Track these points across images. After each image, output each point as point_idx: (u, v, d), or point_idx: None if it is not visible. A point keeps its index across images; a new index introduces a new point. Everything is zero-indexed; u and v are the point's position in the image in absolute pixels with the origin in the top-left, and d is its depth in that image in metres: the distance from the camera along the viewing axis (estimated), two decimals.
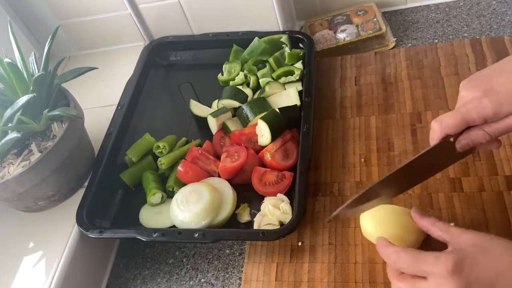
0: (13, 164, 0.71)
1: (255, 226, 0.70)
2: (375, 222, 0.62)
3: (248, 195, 0.75)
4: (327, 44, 0.94)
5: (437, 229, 0.55)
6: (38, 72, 0.74)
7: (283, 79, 0.86)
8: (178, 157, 0.80)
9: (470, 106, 0.52)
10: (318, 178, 0.76)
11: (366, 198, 0.58)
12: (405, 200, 0.70)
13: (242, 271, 0.71)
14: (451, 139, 0.54)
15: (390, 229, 0.61)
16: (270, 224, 0.69)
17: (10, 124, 0.71)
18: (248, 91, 0.87)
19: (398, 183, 0.59)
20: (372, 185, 0.56)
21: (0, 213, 0.80)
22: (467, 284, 0.47)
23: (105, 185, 0.79)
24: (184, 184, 0.76)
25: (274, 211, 0.70)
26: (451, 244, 0.52)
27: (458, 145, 0.54)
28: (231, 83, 0.89)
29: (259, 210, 0.72)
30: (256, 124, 0.78)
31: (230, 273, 0.73)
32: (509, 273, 0.48)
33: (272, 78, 0.88)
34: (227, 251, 0.75)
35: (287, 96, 0.83)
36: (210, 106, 0.88)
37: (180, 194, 0.73)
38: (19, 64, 0.74)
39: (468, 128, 0.53)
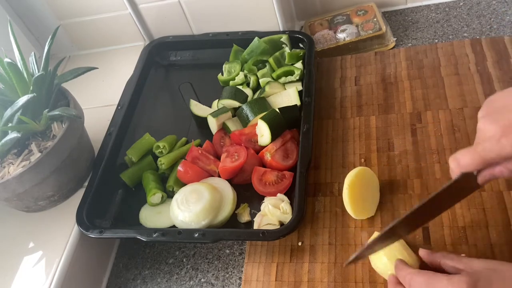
0: (13, 164, 0.71)
1: (255, 226, 0.70)
2: (387, 259, 0.61)
3: (248, 195, 0.75)
4: (327, 44, 0.94)
5: (449, 261, 0.55)
6: (38, 72, 0.74)
7: (283, 79, 0.86)
8: (178, 157, 0.80)
9: (488, 145, 0.48)
10: (318, 178, 0.76)
11: (387, 237, 0.58)
12: (405, 201, 0.70)
13: (242, 271, 0.71)
14: (475, 173, 0.51)
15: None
16: (270, 224, 0.69)
17: (10, 124, 0.71)
18: (248, 91, 0.87)
19: (418, 220, 0.58)
20: (393, 224, 0.55)
21: (0, 213, 0.80)
22: None
23: (105, 185, 0.79)
24: (184, 184, 0.76)
25: (274, 211, 0.70)
26: (464, 270, 0.52)
27: (480, 179, 0.51)
28: (231, 83, 0.89)
29: (259, 210, 0.72)
30: (256, 124, 0.78)
31: (230, 273, 0.73)
32: None
33: (272, 78, 0.88)
34: (227, 251, 0.75)
35: (287, 96, 0.83)
36: (210, 106, 0.88)
37: (180, 194, 0.73)
38: (19, 64, 0.74)
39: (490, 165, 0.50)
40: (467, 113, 0.76)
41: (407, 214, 0.54)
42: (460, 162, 0.50)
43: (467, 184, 0.52)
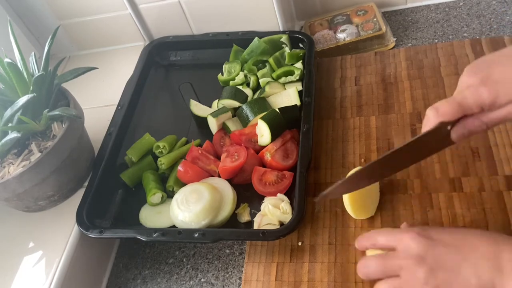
0: (13, 164, 0.71)
1: (255, 226, 0.70)
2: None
3: (248, 195, 0.75)
4: (327, 44, 0.94)
5: (382, 237, 0.57)
6: (38, 72, 0.74)
7: (283, 79, 0.86)
8: (178, 157, 0.80)
9: (467, 93, 0.51)
10: (318, 178, 0.76)
11: (363, 177, 0.59)
12: (405, 201, 0.70)
13: (242, 271, 0.71)
14: (448, 127, 0.52)
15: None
16: (270, 224, 0.69)
17: (10, 124, 0.71)
18: (248, 91, 0.87)
19: (391, 166, 0.58)
20: (366, 165, 0.56)
21: (0, 213, 0.80)
22: (433, 262, 0.50)
23: (105, 185, 0.79)
24: (184, 184, 0.76)
25: (274, 211, 0.70)
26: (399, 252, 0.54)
27: (454, 135, 0.53)
28: (231, 83, 0.89)
29: (259, 210, 0.72)
30: (256, 124, 0.78)
31: (230, 273, 0.73)
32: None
33: (272, 78, 0.88)
34: (227, 251, 0.75)
35: (287, 96, 0.83)
36: (210, 106, 0.88)
37: (180, 194, 0.73)
38: (19, 64, 0.74)
39: (464, 117, 0.52)
40: None
41: (382, 156, 0.55)
42: (439, 110, 0.52)
43: (440, 137, 0.53)
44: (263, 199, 0.73)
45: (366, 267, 0.55)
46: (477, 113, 0.51)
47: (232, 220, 0.73)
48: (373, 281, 0.63)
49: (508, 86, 0.49)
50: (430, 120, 0.53)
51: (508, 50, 0.53)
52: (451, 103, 0.51)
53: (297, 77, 0.85)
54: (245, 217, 0.73)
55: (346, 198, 0.67)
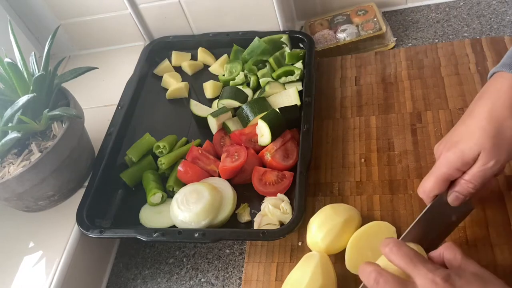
0: (13, 164, 0.71)
1: (255, 226, 0.70)
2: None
3: (248, 195, 0.75)
4: (327, 44, 0.94)
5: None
6: (38, 72, 0.74)
7: (283, 79, 0.86)
8: (178, 157, 0.80)
9: (439, 162, 0.56)
10: (318, 178, 0.76)
11: None
12: (405, 201, 0.70)
13: (242, 271, 0.71)
14: (444, 197, 0.57)
15: None
16: (270, 224, 0.69)
17: (10, 124, 0.71)
18: (248, 91, 0.87)
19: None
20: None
21: (0, 213, 0.80)
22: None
23: (105, 185, 0.79)
24: (184, 184, 0.76)
25: (274, 211, 0.70)
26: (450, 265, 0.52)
27: (449, 199, 0.57)
28: (231, 83, 0.89)
29: (259, 210, 0.72)
30: (256, 124, 0.78)
31: (230, 273, 0.73)
32: None
33: (272, 78, 0.88)
34: (227, 251, 0.75)
35: (287, 96, 0.83)
36: (210, 106, 0.88)
37: (180, 194, 0.73)
38: (19, 64, 0.74)
39: (453, 182, 0.56)
40: None
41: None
42: (425, 189, 0.58)
43: (444, 208, 0.57)
44: (263, 199, 0.73)
45: (376, 284, 0.50)
46: (460, 175, 0.55)
47: (232, 220, 0.73)
48: None
49: (468, 142, 0.54)
50: (426, 200, 0.58)
51: (463, 116, 0.58)
52: (431, 178, 0.57)
53: (297, 77, 0.85)
54: (245, 217, 0.73)
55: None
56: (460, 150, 0.54)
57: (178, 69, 0.97)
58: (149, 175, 0.79)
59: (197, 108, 0.87)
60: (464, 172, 0.55)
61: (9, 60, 0.71)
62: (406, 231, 0.57)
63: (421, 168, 0.72)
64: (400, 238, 0.57)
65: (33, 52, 0.77)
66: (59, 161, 0.71)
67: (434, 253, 0.54)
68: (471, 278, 0.48)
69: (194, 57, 0.98)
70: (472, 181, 0.54)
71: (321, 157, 0.78)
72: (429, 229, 0.58)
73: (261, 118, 0.76)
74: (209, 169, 0.78)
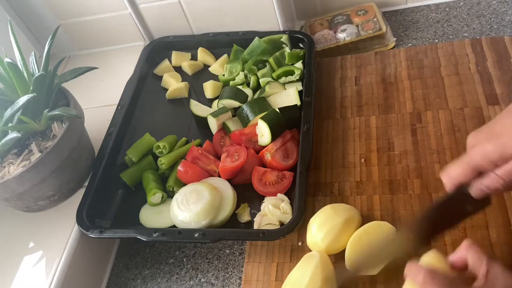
0: (13, 164, 0.71)
1: (255, 226, 0.70)
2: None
3: (248, 195, 0.75)
4: (327, 44, 0.94)
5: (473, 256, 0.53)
6: (38, 72, 0.74)
7: (283, 79, 0.86)
8: (178, 157, 0.80)
9: (474, 151, 0.52)
10: (318, 178, 0.76)
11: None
12: (405, 201, 0.70)
13: (242, 271, 0.71)
14: (468, 188, 0.54)
15: None
16: (270, 224, 0.69)
17: (10, 124, 0.71)
18: (248, 91, 0.87)
19: (423, 233, 0.57)
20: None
21: (0, 213, 0.80)
22: None
23: (105, 185, 0.79)
24: (184, 184, 0.76)
25: (274, 211, 0.70)
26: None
27: (472, 192, 0.54)
28: (231, 83, 0.89)
29: (259, 210, 0.72)
30: (256, 124, 0.78)
31: (230, 273, 0.73)
32: None
33: (272, 78, 0.88)
34: (227, 251, 0.75)
35: (287, 96, 0.83)
36: (210, 106, 0.88)
37: (180, 194, 0.73)
38: (19, 64, 0.74)
39: (480, 174, 0.53)
40: (467, 113, 0.76)
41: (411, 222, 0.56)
42: (451, 174, 0.54)
43: (464, 199, 0.55)
44: (263, 199, 0.73)
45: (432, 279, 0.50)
46: (492, 169, 0.51)
47: (232, 220, 0.73)
48: (373, 281, 0.63)
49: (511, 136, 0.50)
50: (448, 185, 0.54)
51: (508, 107, 0.54)
52: (461, 165, 0.53)
53: (297, 77, 0.85)
54: (245, 217, 0.73)
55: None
56: (501, 143, 0.50)
57: (178, 69, 0.97)
58: (149, 175, 0.79)
59: (197, 108, 0.87)
60: (496, 166, 0.51)
61: (9, 60, 0.71)
62: (421, 214, 0.56)
63: (421, 168, 0.72)
64: (415, 220, 0.56)
65: (33, 52, 0.77)
66: (59, 161, 0.71)
67: (455, 257, 0.53)
68: None
69: (194, 57, 0.98)
70: (504, 178, 0.51)
71: (321, 157, 0.78)
72: (442, 216, 0.57)
73: (261, 118, 0.76)
74: (209, 169, 0.78)
